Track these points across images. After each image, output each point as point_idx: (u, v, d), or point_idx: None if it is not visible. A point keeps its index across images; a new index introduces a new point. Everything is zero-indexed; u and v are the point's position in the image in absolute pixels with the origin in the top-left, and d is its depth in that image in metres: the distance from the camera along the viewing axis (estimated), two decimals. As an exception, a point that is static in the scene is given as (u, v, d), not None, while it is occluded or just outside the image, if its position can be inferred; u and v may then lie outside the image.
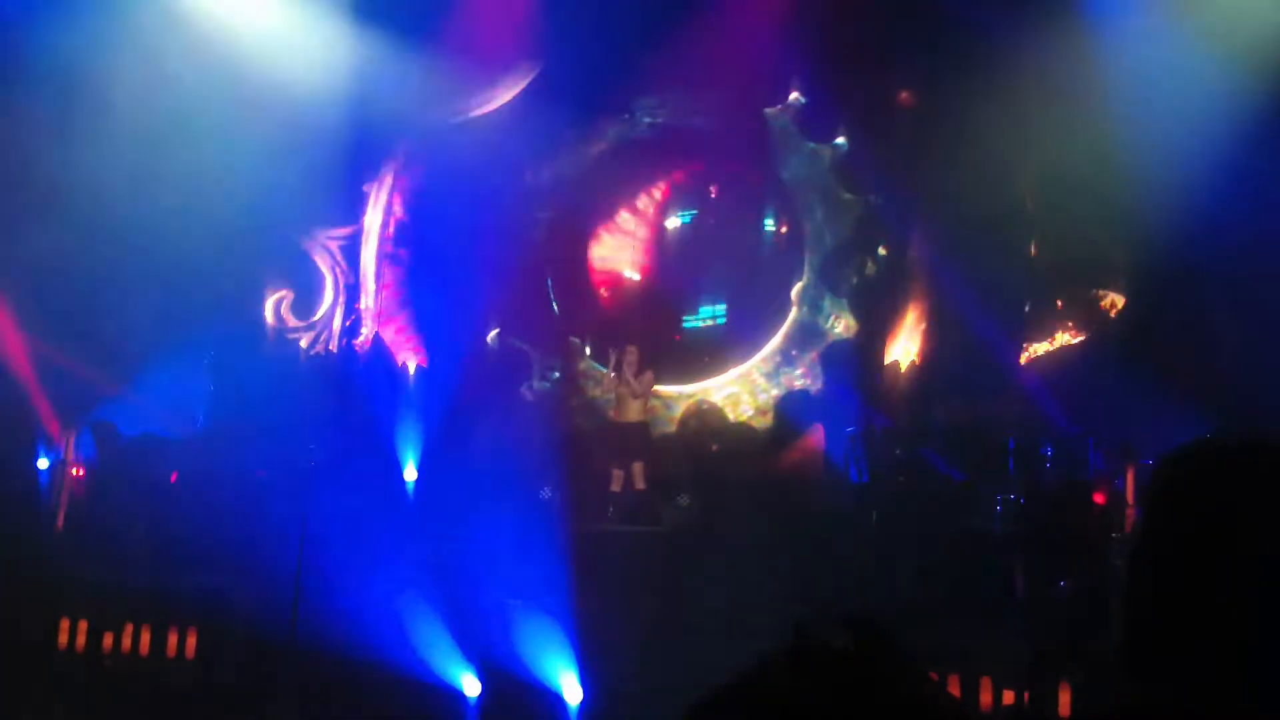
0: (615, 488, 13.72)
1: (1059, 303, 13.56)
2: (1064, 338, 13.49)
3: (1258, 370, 10.82)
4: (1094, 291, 13.42)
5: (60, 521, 12.72)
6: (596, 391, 14.73)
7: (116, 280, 13.42)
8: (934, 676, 1.49)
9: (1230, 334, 11.32)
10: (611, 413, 14.14)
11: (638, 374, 13.91)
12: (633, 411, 13.88)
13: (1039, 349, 13.57)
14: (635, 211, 15.80)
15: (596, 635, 10.99)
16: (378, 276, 15.28)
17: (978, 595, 10.92)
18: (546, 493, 13.18)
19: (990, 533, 11.74)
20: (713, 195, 15.71)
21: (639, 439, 13.94)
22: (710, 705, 1.41)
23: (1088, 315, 13.43)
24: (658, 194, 15.82)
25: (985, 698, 10.49)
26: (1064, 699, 9.50)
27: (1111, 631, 1.85)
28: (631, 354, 13.87)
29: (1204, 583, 1.74)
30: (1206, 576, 1.75)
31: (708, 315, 15.63)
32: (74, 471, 12.99)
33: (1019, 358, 13.53)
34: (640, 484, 13.71)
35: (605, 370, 14.62)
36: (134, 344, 13.65)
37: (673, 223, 15.82)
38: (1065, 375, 13.12)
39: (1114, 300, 13.31)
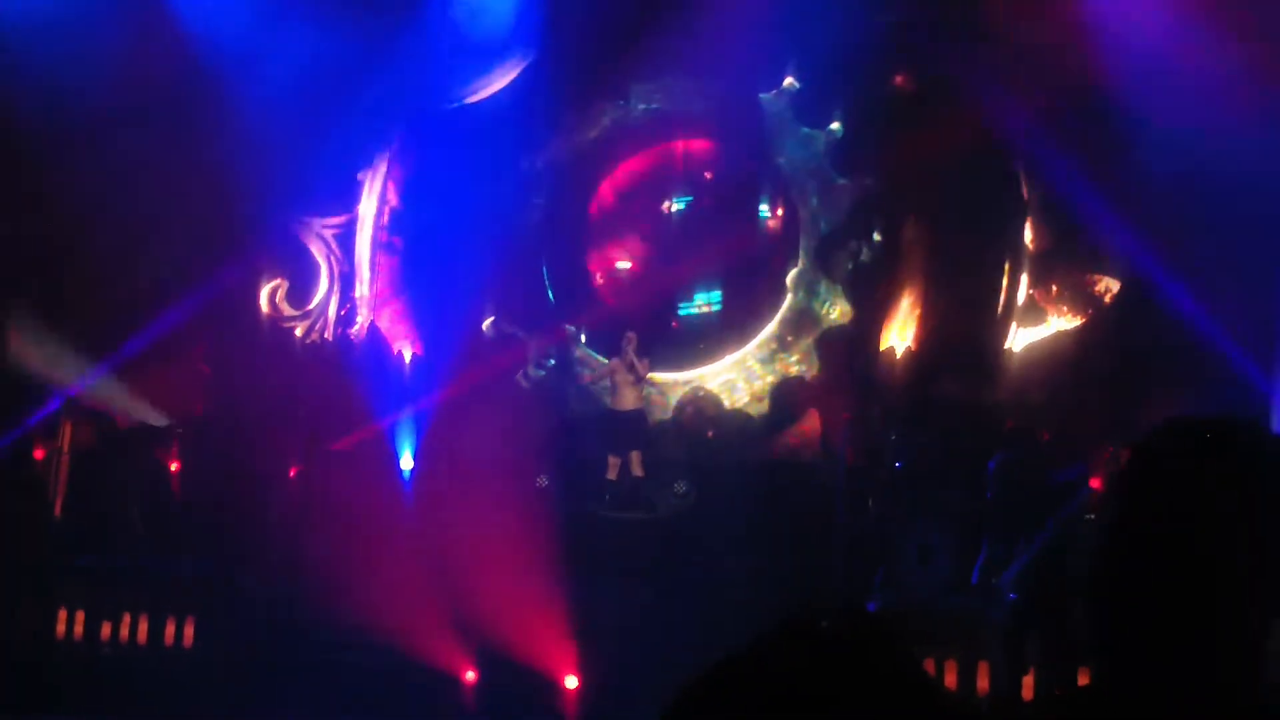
0: (611, 475, 13.76)
1: (1054, 288, 13.54)
2: (1058, 322, 13.48)
3: (1254, 354, 10.85)
4: (1088, 276, 13.40)
5: (58, 510, 12.72)
6: (591, 379, 14.72)
7: (113, 269, 13.40)
8: (929, 665, 1.49)
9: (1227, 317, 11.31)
10: (608, 400, 14.18)
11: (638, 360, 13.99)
12: (629, 399, 13.96)
13: (1033, 334, 13.55)
14: (630, 197, 15.78)
15: (592, 622, 11.03)
16: (372, 265, 15.23)
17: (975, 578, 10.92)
18: (542, 480, 13.22)
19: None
20: (708, 181, 15.67)
21: (636, 426, 14.00)
22: (700, 686, 1.38)
23: (1082, 300, 13.41)
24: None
25: (983, 684, 10.49)
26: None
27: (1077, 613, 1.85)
28: (632, 340, 13.97)
29: (1175, 564, 1.75)
30: (1177, 558, 1.75)
31: (703, 302, 15.62)
32: (64, 460, 12.98)
33: (1013, 343, 13.53)
34: (637, 471, 13.77)
35: (599, 358, 14.64)
36: (131, 332, 13.64)
37: (668, 209, 15.79)
38: (1059, 360, 13.13)
39: (1108, 285, 13.29)
